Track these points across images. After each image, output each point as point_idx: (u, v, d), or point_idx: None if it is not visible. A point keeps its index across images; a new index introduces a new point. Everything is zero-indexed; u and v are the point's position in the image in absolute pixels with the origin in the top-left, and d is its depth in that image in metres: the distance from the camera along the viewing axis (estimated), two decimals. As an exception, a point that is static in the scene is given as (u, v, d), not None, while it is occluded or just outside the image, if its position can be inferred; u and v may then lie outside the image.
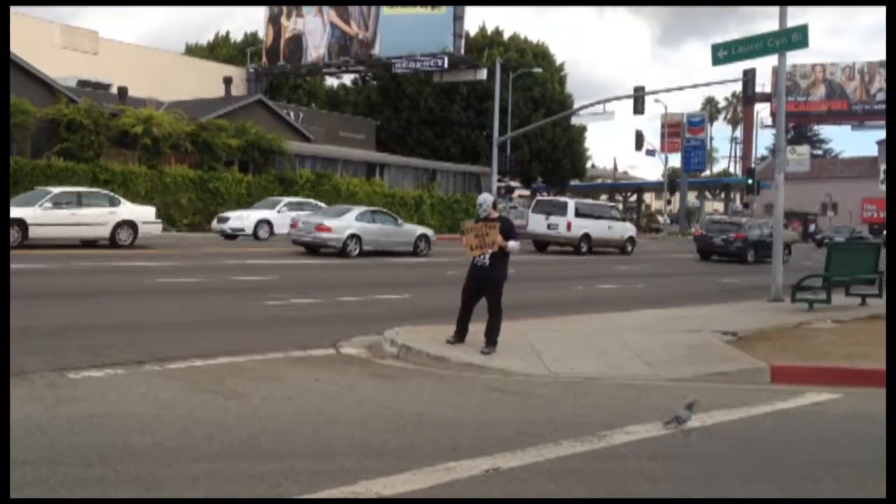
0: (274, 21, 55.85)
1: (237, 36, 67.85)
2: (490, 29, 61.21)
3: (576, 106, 54.58)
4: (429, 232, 28.41)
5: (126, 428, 5.99)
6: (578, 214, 33.26)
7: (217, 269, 19.21)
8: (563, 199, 37.10)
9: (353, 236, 25.09)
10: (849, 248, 21.91)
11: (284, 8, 55.19)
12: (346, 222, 25.32)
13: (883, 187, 67.12)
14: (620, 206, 61.18)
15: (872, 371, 9.36)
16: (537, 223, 33.51)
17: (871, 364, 9.71)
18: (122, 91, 41.59)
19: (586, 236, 33.23)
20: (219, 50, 65.04)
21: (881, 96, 74.30)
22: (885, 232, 53.85)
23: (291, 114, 50.02)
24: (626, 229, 36.29)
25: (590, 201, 40.10)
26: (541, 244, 33.67)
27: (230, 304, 13.74)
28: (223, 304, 13.72)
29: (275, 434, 6.03)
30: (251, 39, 62.53)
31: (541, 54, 60.84)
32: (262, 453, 5.53)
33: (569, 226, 32.67)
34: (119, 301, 13.57)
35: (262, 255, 24.04)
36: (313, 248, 25.32)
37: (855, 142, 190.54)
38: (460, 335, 10.03)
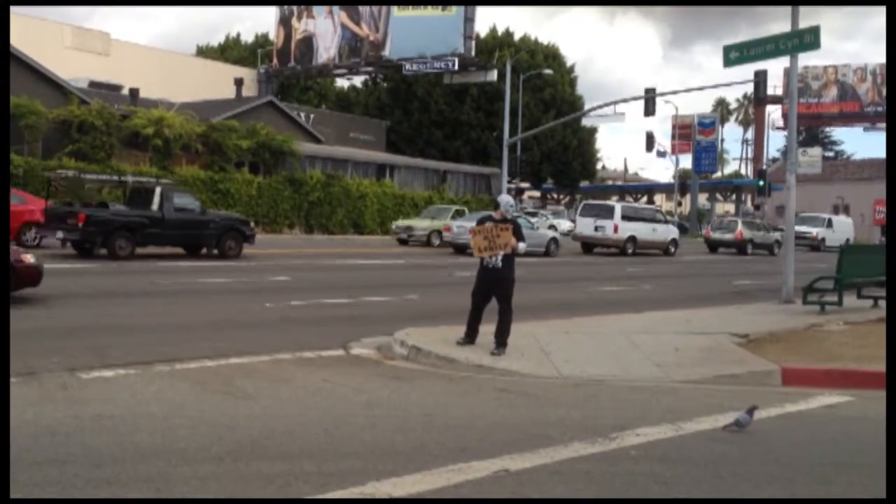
0: (285, 23, 55.96)
1: (248, 37, 68.05)
2: (500, 30, 61.17)
3: (586, 107, 54.48)
4: (557, 234, 32.39)
5: (136, 428, 6.01)
6: (624, 217, 34.71)
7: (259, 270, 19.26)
8: (610, 203, 39.97)
9: None
10: (861, 250, 21.80)
11: (295, 9, 55.29)
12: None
13: (895, 189, 66.74)
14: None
15: (884, 373, 9.30)
16: (585, 226, 35.11)
17: (882, 366, 9.64)
18: (134, 92, 41.72)
19: (632, 238, 34.52)
20: (230, 51, 65.21)
21: (894, 97, 73.89)
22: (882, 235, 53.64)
23: (302, 115, 50.08)
24: (670, 231, 37.49)
25: (635, 205, 42.23)
26: (588, 246, 35.24)
27: (241, 306, 13.76)
28: (234, 306, 13.75)
29: (284, 435, 6.03)
30: (262, 41, 62.66)
31: (551, 56, 60.74)
32: (271, 454, 5.53)
33: (615, 228, 34.03)
34: (130, 302, 13.62)
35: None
36: (460, 249, 28.19)
37: (867, 143, 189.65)
38: (470, 336, 10.03)
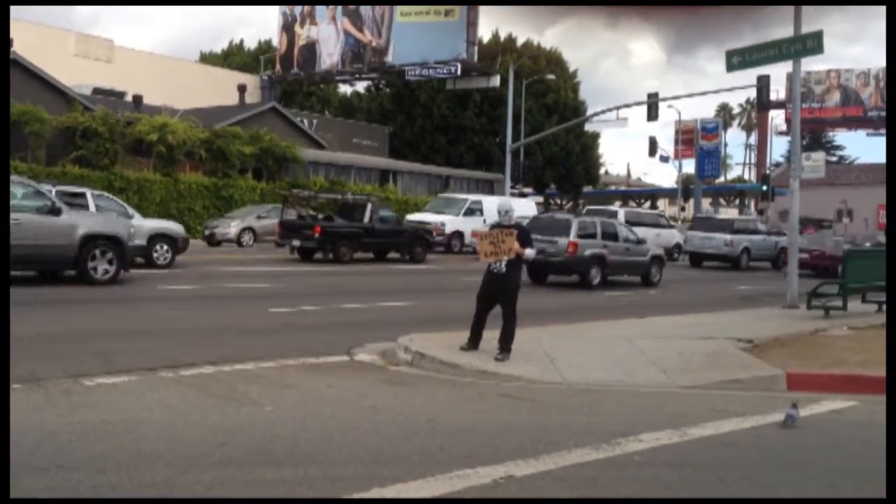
0: (288, 29, 56.07)
1: (251, 44, 68.10)
2: (503, 36, 61.20)
3: (589, 112, 54.51)
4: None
5: (140, 434, 6.00)
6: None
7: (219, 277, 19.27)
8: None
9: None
10: (865, 255, 21.76)
11: (298, 16, 55.41)
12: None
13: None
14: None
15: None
16: None
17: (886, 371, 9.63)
18: (137, 99, 41.81)
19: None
20: (233, 58, 65.31)
21: (897, 102, 73.85)
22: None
23: (305, 121, 50.14)
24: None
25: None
26: None
27: (240, 312, 13.77)
28: (233, 312, 13.75)
29: (288, 440, 6.02)
30: (265, 47, 62.76)
31: (554, 61, 60.72)
32: (275, 460, 5.52)
33: None
34: (129, 308, 13.62)
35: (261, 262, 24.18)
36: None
37: (870, 148, 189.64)
38: (474, 342, 10.01)
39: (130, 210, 20.61)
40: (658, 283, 23.34)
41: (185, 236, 21.62)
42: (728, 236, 33.32)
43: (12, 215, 13.15)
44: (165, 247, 20.08)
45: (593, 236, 21.74)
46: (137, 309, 13.69)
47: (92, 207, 18.53)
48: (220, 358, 9.24)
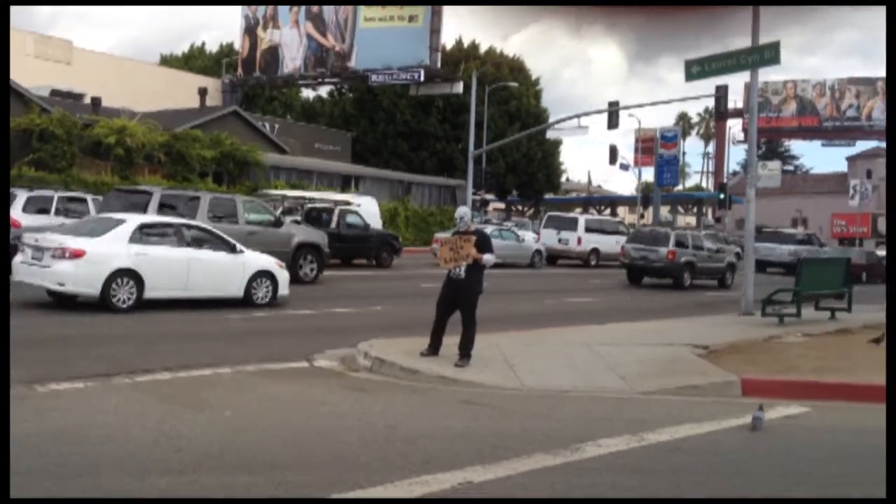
0: (250, 32, 55.69)
1: (213, 47, 67.54)
2: (466, 43, 61.42)
3: (551, 120, 54.82)
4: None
5: (96, 441, 5.93)
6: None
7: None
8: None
9: None
10: (819, 263, 22.16)
11: (261, 19, 55.06)
12: None
13: (852, 203, 68.24)
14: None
15: (841, 385, 9.48)
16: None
17: (840, 378, 9.83)
18: (96, 101, 41.21)
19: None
20: (194, 61, 64.72)
21: (851, 113, 75.28)
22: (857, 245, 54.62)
23: (267, 125, 49.80)
24: None
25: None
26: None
27: (196, 317, 13.63)
28: (189, 317, 13.61)
29: (245, 446, 5.99)
30: (227, 51, 62.26)
31: (517, 68, 61.08)
32: (232, 466, 5.49)
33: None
34: (84, 313, 13.42)
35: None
36: None
37: (825, 158, 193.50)
38: (434, 348, 10.02)
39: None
40: (731, 285, 26.55)
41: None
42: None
43: (248, 227, 18.20)
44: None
45: (686, 246, 25.91)
46: (94, 315, 13.49)
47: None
48: (177, 364, 9.15)
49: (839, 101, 76.15)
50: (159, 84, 52.67)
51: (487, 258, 9.91)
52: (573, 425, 7.23)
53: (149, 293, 13.46)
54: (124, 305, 13.16)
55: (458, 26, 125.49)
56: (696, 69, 17.62)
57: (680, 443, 6.69)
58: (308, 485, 5.14)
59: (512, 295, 20.13)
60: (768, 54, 16.65)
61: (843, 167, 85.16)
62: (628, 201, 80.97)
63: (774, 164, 63.78)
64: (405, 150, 57.81)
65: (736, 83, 68.86)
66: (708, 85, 44.87)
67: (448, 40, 57.90)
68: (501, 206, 73.42)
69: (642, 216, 76.90)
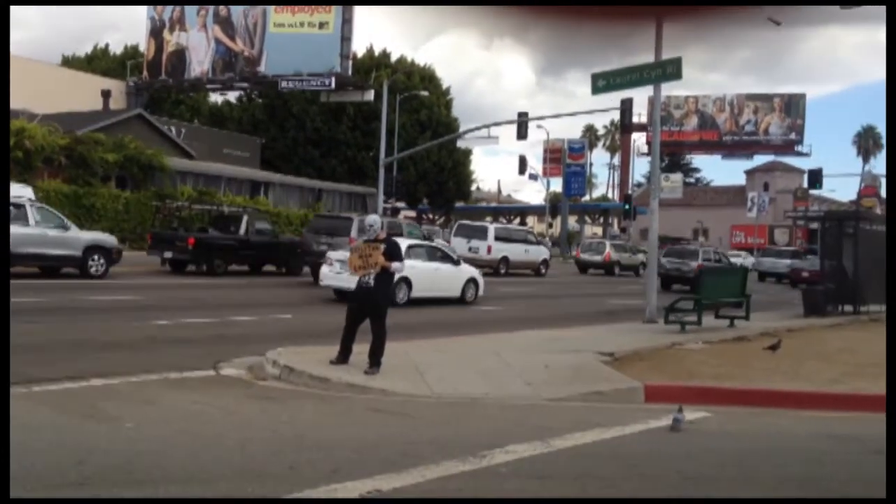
0: (156, 34, 54.45)
1: (117, 48, 65.70)
2: (378, 51, 61.42)
3: (462, 129, 55.24)
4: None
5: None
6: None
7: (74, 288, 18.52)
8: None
9: None
10: (719, 272, 22.92)
11: (167, 21, 53.91)
12: None
13: (750, 214, 70.83)
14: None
15: (739, 391, 9.83)
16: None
17: (737, 384, 10.19)
18: (-8, 101, 39.67)
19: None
20: (97, 62, 62.87)
21: (749, 128, 78.17)
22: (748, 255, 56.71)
23: (173, 129, 48.76)
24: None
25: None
26: None
27: (103, 325, 13.24)
28: (95, 325, 13.21)
29: (149, 459, 5.84)
30: (132, 52, 60.69)
31: (428, 78, 61.38)
32: (135, 479, 5.35)
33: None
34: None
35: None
36: None
37: (724, 171, 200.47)
38: (344, 356, 9.98)
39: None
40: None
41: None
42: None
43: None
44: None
45: (710, 261, 33.70)
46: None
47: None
48: (78, 373, 8.88)
49: (738, 116, 78.96)
50: (60, 85, 50.96)
51: (396, 266, 9.92)
52: (481, 432, 7.30)
53: None
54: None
55: (370, 35, 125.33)
56: (602, 83, 18.03)
57: (586, 448, 6.82)
58: (213, 496, 5.04)
59: (422, 303, 20.17)
60: (670, 69, 17.16)
61: (741, 180, 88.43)
62: (537, 211, 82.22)
63: (676, 177, 65.63)
64: (316, 157, 57.40)
65: (641, 97, 70.82)
66: (614, 98, 46.02)
67: (359, 48, 57.87)
68: (412, 214, 73.59)
69: (550, 225, 78.21)
